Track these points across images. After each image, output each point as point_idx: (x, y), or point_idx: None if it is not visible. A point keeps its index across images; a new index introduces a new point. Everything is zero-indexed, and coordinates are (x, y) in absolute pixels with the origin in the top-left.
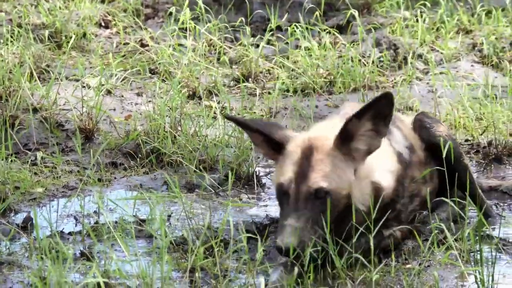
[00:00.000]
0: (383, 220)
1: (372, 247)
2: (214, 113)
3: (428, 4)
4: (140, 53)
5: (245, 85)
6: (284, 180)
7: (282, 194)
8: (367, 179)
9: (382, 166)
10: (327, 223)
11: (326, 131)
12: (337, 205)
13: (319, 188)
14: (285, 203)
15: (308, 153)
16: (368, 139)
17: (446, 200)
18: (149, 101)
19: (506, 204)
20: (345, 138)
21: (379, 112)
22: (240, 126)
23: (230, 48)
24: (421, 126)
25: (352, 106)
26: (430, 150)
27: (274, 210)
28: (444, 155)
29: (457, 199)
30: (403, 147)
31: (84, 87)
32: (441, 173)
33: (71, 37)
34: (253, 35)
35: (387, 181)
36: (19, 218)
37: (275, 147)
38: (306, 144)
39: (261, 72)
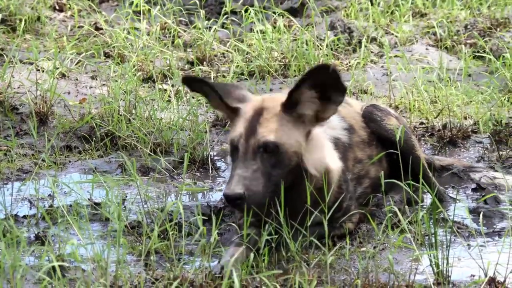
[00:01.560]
0: (335, 205)
1: (326, 232)
2: (169, 96)
3: None
4: (94, 37)
5: (199, 69)
6: (234, 136)
7: (233, 150)
8: (320, 152)
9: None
10: (279, 177)
11: (280, 96)
12: (288, 162)
13: (266, 141)
14: (235, 157)
15: (259, 112)
16: (313, 105)
17: (399, 183)
18: (104, 85)
19: (460, 187)
20: (290, 104)
21: (319, 81)
22: (199, 86)
23: (185, 31)
24: (371, 119)
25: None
26: (381, 142)
27: None
28: (398, 148)
29: (411, 182)
30: (340, 131)
31: (38, 70)
32: (391, 156)
33: (25, 20)
34: (208, 19)
35: (334, 164)
36: None
37: (232, 108)
38: (258, 105)
39: (215, 56)
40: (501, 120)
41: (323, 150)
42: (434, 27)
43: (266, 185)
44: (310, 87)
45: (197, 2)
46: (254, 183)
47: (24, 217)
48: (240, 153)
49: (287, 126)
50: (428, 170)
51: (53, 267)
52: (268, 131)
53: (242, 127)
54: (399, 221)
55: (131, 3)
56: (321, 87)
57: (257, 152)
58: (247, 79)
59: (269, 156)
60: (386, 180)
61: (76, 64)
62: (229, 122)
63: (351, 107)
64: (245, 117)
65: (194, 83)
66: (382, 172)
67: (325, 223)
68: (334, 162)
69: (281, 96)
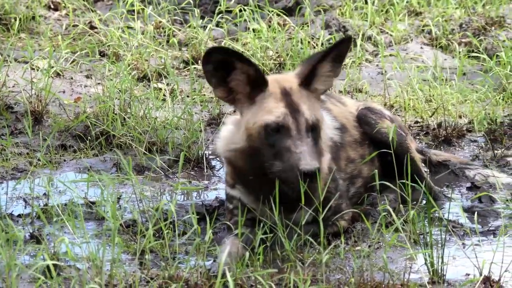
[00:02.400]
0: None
1: (321, 229)
2: (164, 95)
3: None
4: (89, 36)
5: (194, 67)
6: (277, 116)
7: (274, 131)
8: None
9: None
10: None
11: (284, 76)
12: (321, 137)
13: (313, 119)
14: (284, 137)
15: (284, 91)
16: (326, 79)
17: (390, 185)
18: (99, 84)
19: (455, 186)
20: (308, 79)
21: (338, 54)
22: (229, 56)
23: (179, 30)
24: (365, 122)
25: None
26: (375, 145)
27: (223, 192)
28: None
29: (405, 182)
30: (331, 130)
31: (33, 69)
32: (384, 157)
33: (20, 19)
34: (202, 17)
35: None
36: None
37: (252, 88)
38: (278, 85)
39: None
40: (496, 119)
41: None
42: (429, 26)
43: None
44: (331, 60)
45: (192, 1)
46: (319, 158)
47: (19, 216)
48: (293, 131)
49: (314, 102)
50: (423, 171)
51: (48, 266)
52: (311, 110)
53: (282, 107)
54: (393, 220)
55: (126, 2)
56: (336, 61)
57: (307, 131)
58: None
59: (313, 135)
60: (380, 182)
61: (71, 63)
62: (239, 103)
63: (345, 107)
64: (275, 97)
65: (222, 55)
66: (376, 171)
67: (321, 222)
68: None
69: (284, 76)
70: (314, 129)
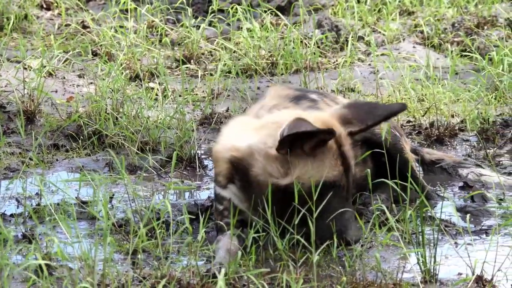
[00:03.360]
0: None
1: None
2: (156, 94)
3: None
4: (81, 35)
5: (186, 67)
6: (336, 175)
7: (328, 187)
8: None
9: None
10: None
11: (320, 115)
12: None
13: (357, 178)
14: (335, 195)
15: (339, 142)
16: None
17: (386, 181)
18: (91, 83)
19: (448, 185)
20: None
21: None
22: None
23: (172, 29)
24: None
25: (275, 91)
26: (369, 146)
27: None
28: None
29: (398, 181)
30: None
31: (25, 68)
32: (377, 157)
33: (12, 19)
34: (195, 17)
35: None
36: None
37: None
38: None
39: (203, 54)
40: (488, 118)
41: None
42: (421, 25)
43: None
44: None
45: (184, 0)
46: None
47: (12, 215)
48: (343, 192)
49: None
50: (417, 172)
51: (40, 266)
52: (355, 166)
53: (339, 164)
54: (386, 219)
55: (118, 2)
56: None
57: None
58: (234, 77)
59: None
60: (374, 181)
61: (63, 63)
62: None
63: (336, 103)
64: (333, 150)
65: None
66: (369, 171)
67: (313, 222)
68: None
69: (312, 113)
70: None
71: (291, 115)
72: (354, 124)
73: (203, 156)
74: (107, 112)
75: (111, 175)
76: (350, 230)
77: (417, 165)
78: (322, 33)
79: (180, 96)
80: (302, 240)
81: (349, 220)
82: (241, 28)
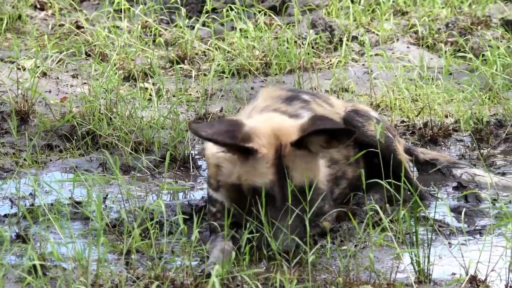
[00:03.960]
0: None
1: (307, 229)
2: (150, 95)
3: None
4: (75, 35)
5: (180, 67)
6: (265, 184)
7: (259, 194)
8: (323, 163)
9: None
10: (311, 209)
11: (284, 123)
12: (314, 193)
13: (301, 186)
14: (269, 205)
15: (278, 149)
16: (321, 146)
17: (380, 181)
18: (85, 83)
19: (441, 186)
20: (300, 144)
21: (336, 138)
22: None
23: (166, 30)
24: (352, 125)
25: (268, 92)
26: (362, 147)
27: None
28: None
29: (392, 181)
30: None
31: (19, 69)
32: (369, 158)
33: (6, 19)
34: (189, 17)
35: None
36: None
37: (245, 148)
38: (273, 141)
39: (196, 54)
40: (482, 118)
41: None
42: (415, 25)
43: (303, 222)
44: (320, 135)
45: (178, 0)
46: (298, 230)
47: (5, 216)
48: (278, 202)
49: (310, 162)
50: (410, 172)
51: (34, 266)
52: (301, 175)
53: (271, 173)
54: (380, 219)
55: (112, 2)
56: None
57: (292, 197)
58: (227, 77)
59: (302, 196)
60: (368, 181)
61: (57, 63)
62: (240, 161)
63: (332, 107)
64: (268, 160)
65: (201, 129)
66: (363, 171)
67: (307, 222)
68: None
69: (283, 121)
70: (301, 193)
71: (258, 119)
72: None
73: (196, 157)
74: (101, 112)
75: (104, 176)
76: (277, 238)
77: (411, 165)
78: (316, 33)
79: (174, 96)
80: (297, 239)
81: (279, 231)
82: (235, 28)
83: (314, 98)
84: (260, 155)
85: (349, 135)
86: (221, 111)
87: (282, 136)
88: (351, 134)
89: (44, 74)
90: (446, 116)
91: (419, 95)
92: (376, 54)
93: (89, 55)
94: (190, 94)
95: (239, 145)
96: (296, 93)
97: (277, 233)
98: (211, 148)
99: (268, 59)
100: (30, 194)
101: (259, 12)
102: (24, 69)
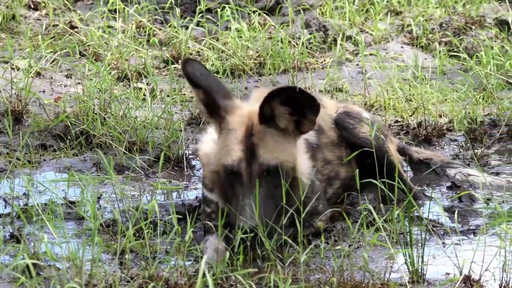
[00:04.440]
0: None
1: (300, 229)
2: (144, 95)
3: None
4: (69, 35)
5: (174, 67)
6: (232, 161)
7: (231, 174)
8: (303, 157)
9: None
10: (281, 195)
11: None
12: (287, 179)
13: (269, 165)
14: (237, 183)
15: (250, 129)
16: (289, 120)
17: (374, 181)
18: (79, 83)
19: (435, 185)
20: (264, 118)
21: (287, 98)
22: (198, 74)
23: (160, 30)
24: (343, 127)
25: (261, 92)
26: (354, 149)
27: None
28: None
29: (386, 181)
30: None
31: (13, 69)
32: (362, 159)
33: (0, 19)
34: (183, 17)
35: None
36: None
37: (215, 113)
38: (247, 120)
39: (190, 54)
40: (476, 118)
41: (303, 155)
42: (409, 25)
43: (274, 207)
44: (279, 103)
45: (173, 0)
46: (266, 210)
47: None
48: (245, 179)
49: (281, 142)
50: (403, 173)
51: (28, 266)
52: (270, 154)
53: (239, 150)
54: (374, 219)
55: (106, 2)
56: (292, 104)
57: (261, 176)
58: (221, 77)
59: (271, 177)
60: (362, 181)
61: (51, 63)
62: (209, 123)
63: (324, 109)
64: (237, 136)
65: (194, 69)
66: (357, 171)
67: (301, 222)
68: (306, 165)
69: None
70: (271, 174)
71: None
72: None
73: (190, 156)
74: (95, 112)
75: (98, 175)
76: (242, 216)
77: (405, 165)
78: (310, 33)
79: (168, 96)
80: (289, 241)
81: (244, 207)
82: (229, 28)
83: None
84: (231, 127)
85: (310, 104)
86: None
87: (254, 116)
88: (290, 92)
89: (38, 74)
90: (440, 116)
91: (413, 95)
92: (370, 54)
93: (83, 55)
94: (184, 94)
95: (217, 104)
96: None
97: (243, 211)
98: (205, 148)
99: (262, 59)
100: (24, 194)
101: (253, 12)
102: (18, 69)
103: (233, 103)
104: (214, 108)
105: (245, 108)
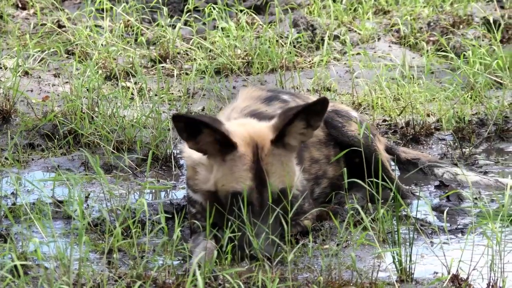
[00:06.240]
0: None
1: (287, 229)
2: (132, 94)
3: None
4: (57, 34)
5: (162, 66)
6: (242, 190)
7: (238, 200)
8: (298, 167)
9: None
10: (288, 214)
11: (259, 125)
12: (291, 197)
13: (280, 191)
14: (248, 210)
15: (255, 151)
16: (301, 135)
17: (360, 182)
18: (66, 82)
19: (423, 184)
20: (280, 137)
21: (314, 114)
22: (192, 123)
23: (148, 29)
24: (332, 125)
25: (247, 92)
26: (342, 148)
27: None
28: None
29: (374, 180)
30: None
31: (1, 68)
32: (350, 158)
33: None
34: (171, 16)
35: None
36: None
37: (222, 147)
38: (250, 141)
39: (178, 53)
40: (464, 117)
41: (297, 167)
42: (397, 24)
43: (281, 227)
44: (302, 119)
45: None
46: (276, 233)
47: None
48: (256, 208)
49: (286, 163)
50: (391, 172)
51: (16, 265)
52: (278, 179)
53: (249, 179)
54: (361, 218)
55: (94, 1)
56: (311, 117)
57: (273, 202)
58: (211, 76)
59: (279, 201)
60: (349, 180)
61: (39, 62)
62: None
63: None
64: (246, 162)
65: (187, 122)
66: (345, 170)
67: (288, 222)
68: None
69: (259, 129)
70: (279, 197)
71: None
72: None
73: (178, 156)
74: (83, 111)
75: (86, 175)
76: (256, 246)
77: (393, 164)
78: (298, 32)
79: (156, 95)
80: (277, 240)
81: (259, 236)
82: (217, 27)
83: (294, 98)
84: (239, 154)
85: (322, 108)
86: (203, 110)
87: (258, 137)
88: (324, 106)
89: (26, 73)
90: (428, 115)
91: (401, 94)
92: (358, 53)
93: (71, 54)
94: (172, 93)
95: (223, 133)
96: (275, 93)
97: (258, 239)
98: (188, 150)
99: (250, 58)
100: (12, 193)
101: (241, 11)
102: (6, 68)
103: (225, 126)
104: (229, 143)
105: (240, 129)
